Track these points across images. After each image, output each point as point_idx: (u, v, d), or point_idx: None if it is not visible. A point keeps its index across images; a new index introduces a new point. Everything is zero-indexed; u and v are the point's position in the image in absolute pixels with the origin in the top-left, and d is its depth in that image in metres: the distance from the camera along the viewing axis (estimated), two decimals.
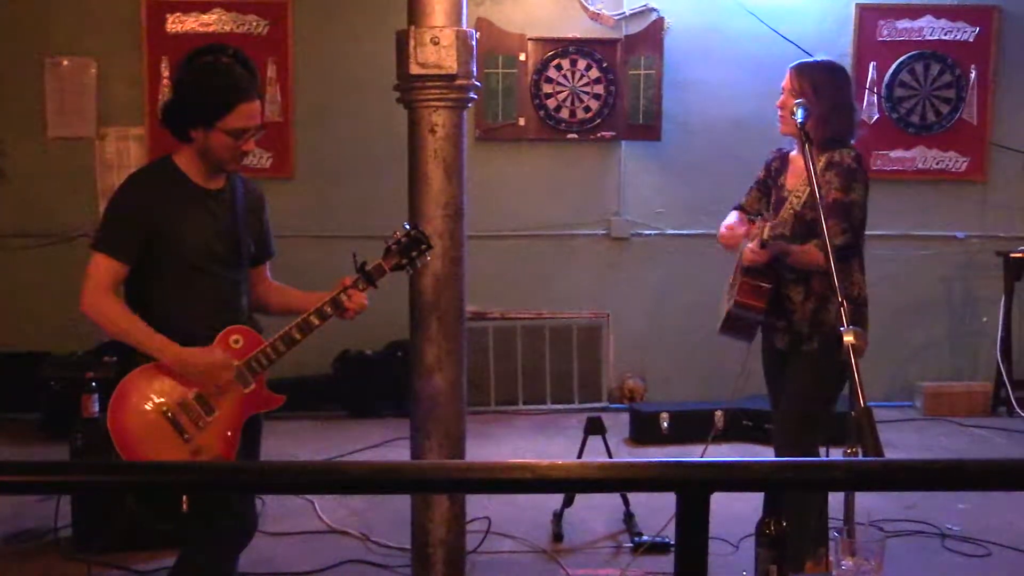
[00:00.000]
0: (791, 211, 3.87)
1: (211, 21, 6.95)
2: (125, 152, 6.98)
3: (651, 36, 7.03)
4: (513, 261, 7.12)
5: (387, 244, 3.32)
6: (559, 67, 7.03)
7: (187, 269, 3.19)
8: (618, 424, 6.28)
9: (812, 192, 3.69)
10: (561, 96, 7.04)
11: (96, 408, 4.75)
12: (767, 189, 4.06)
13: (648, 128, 7.06)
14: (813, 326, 3.81)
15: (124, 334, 3.12)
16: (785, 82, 3.88)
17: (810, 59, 4.02)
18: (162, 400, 3.12)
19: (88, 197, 6.87)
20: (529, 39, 7.02)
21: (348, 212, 6.82)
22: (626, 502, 4.83)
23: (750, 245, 3.80)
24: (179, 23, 6.94)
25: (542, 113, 7.05)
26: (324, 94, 7.02)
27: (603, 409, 6.91)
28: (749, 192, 4.12)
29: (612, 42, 7.03)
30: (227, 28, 6.95)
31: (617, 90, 7.02)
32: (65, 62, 6.95)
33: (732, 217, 4.05)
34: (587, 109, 7.05)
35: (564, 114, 7.06)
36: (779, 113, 3.88)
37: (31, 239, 6.93)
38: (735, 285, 3.95)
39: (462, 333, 3.87)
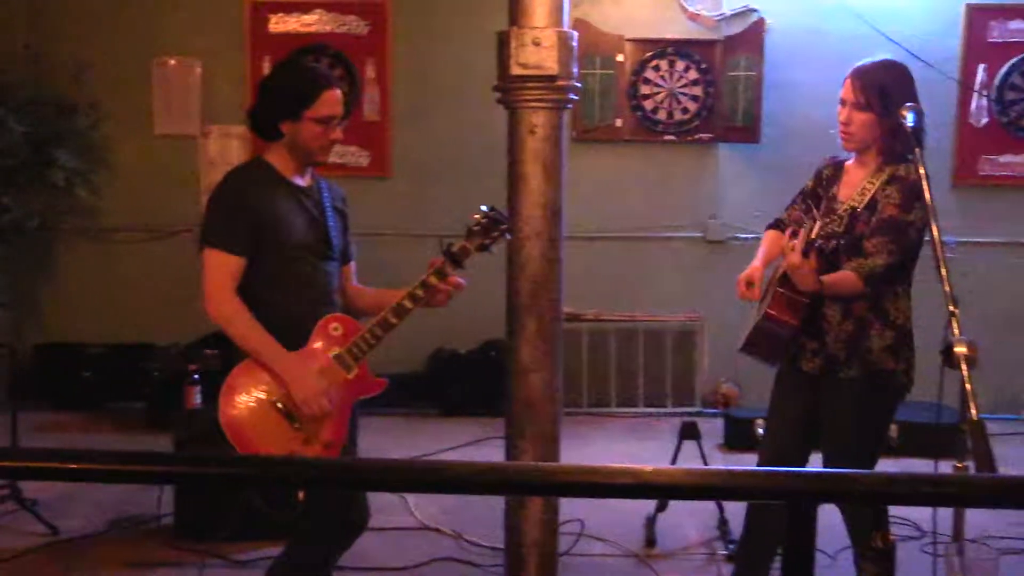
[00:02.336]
0: (841, 224, 3.53)
1: (312, 21, 7.06)
2: (228, 150, 7.12)
3: (751, 37, 6.94)
4: (607, 263, 7.10)
5: (469, 226, 3.35)
6: (657, 68, 6.98)
7: (286, 260, 3.26)
8: (712, 430, 6.21)
9: (869, 205, 3.46)
10: (659, 97, 6.99)
11: (199, 399, 4.86)
12: (815, 200, 3.72)
13: (747, 130, 6.98)
14: (850, 351, 3.49)
15: (244, 342, 3.18)
16: (844, 92, 3.52)
17: (868, 62, 3.58)
18: (271, 391, 3.19)
19: (192, 193, 7.03)
20: (627, 40, 6.99)
21: (445, 211, 6.83)
22: (721, 508, 4.78)
23: (791, 243, 3.37)
24: (281, 23, 7.06)
25: (639, 114, 7.01)
26: (422, 94, 7.08)
27: (697, 414, 6.84)
28: (791, 204, 3.82)
29: (711, 43, 6.96)
30: (328, 28, 7.05)
31: (715, 91, 6.94)
32: (172, 62, 7.12)
33: (757, 259, 3.70)
34: (685, 111, 6.99)
35: (661, 115, 7.01)
36: (840, 130, 3.53)
37: (136, 233, 7.13)
38: (766, 297, 3.62)
39: (558, 334, 3.86)
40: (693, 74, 6.97)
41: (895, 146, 3.45)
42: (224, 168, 6.99)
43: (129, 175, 7.15)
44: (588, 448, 6.13)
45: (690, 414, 6.74)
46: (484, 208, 3.37)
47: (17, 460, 1.69)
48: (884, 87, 3.46)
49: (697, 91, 6.97)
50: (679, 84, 6.97)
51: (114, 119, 7.05)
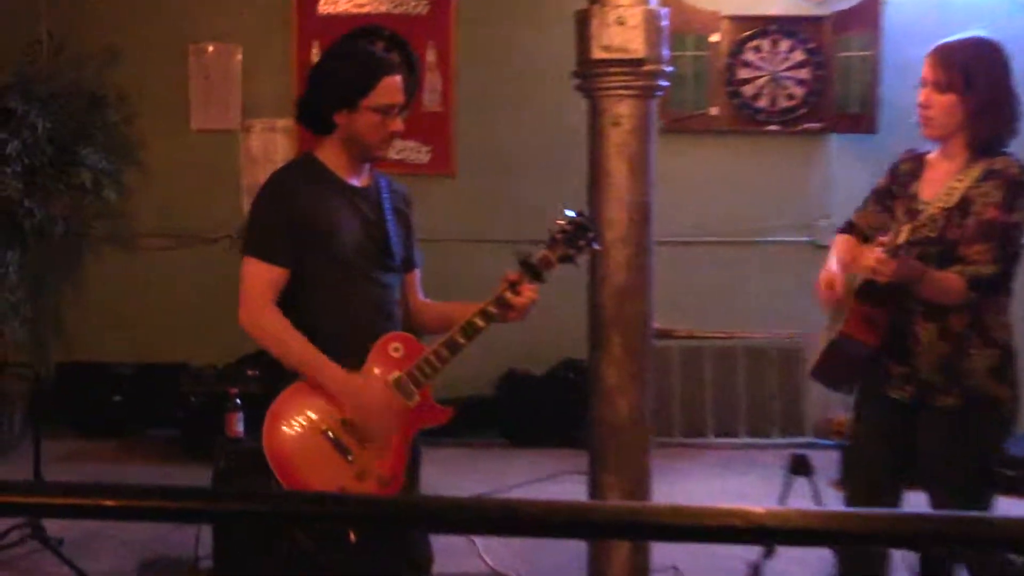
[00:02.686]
0: (934, 228, 3.42)
1: (365, 2, 7.10)
2: (271, 146, 7.19)
3: (866, 12, 6.86)
4: (702, 271, 7.04)
5: (551, 234, 3.29)
6: (758, 49, 6.93)
7: (339, 271, 3.27)
8: (825, 463, 6.08)
9: (961, 206, 3.35)
10: (760, 82, 6.94)
11: (240, 427, 4.89)
12: (890, 200, 3.62)
13: (861, 119, 6.90)
14: (948, 375, 3.38)
15: (287, 356, 3.21)
16: (924, 71, 3.45)
17: (953, 39, 3.49)
18: (321, 419, 3.19)
19: (232, 195, 7.11)
20: (723, 17, 6.95)
21: (516, 214, 6.85)
22: (835, 554, 4.69)
23: (874, 254, 3.28)
24: (331, 4, 7.11)
25: (737, 101, 6.96)
26: (490, 81, 7.08)
27: (807, 445, 6.70)
28: (864, 205, 3.71)
29: (820, 20, 6.90)
30: (383, 8, 7.09)
31: (825, 74, 6.88)
32: (210, 48, 7.21)
33: (832, 262, 3.59)
34: (790, 97, 6.92)
35: (763, 103, 6.95)
36: (919, 113, 3.47)
37: (171, 239, 7.22)
38: (840, 314, 3.53)
39: (648, 353, 3.84)
40: (799, 55, 6.90)
41: (981, 134, 3.37)
42: (268, 167, 7.08)
43: (163, 175, 7.25)
44: (682, 484, 6.08)
45: (799, 445, 6.62)
46: (569, 212, 3.32)
47: (40, 495, 1.71)
48: (968, 66, 3.39)
49: (804, 74, 6.90)
50: (783, 66, 6.91)
51: (146, 113, 7.16)
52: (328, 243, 3.26)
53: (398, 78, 3.29)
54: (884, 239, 3.27)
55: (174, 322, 7.19)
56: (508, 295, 3.22)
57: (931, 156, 3.55)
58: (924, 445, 3.48)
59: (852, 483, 3.74)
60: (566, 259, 3.28)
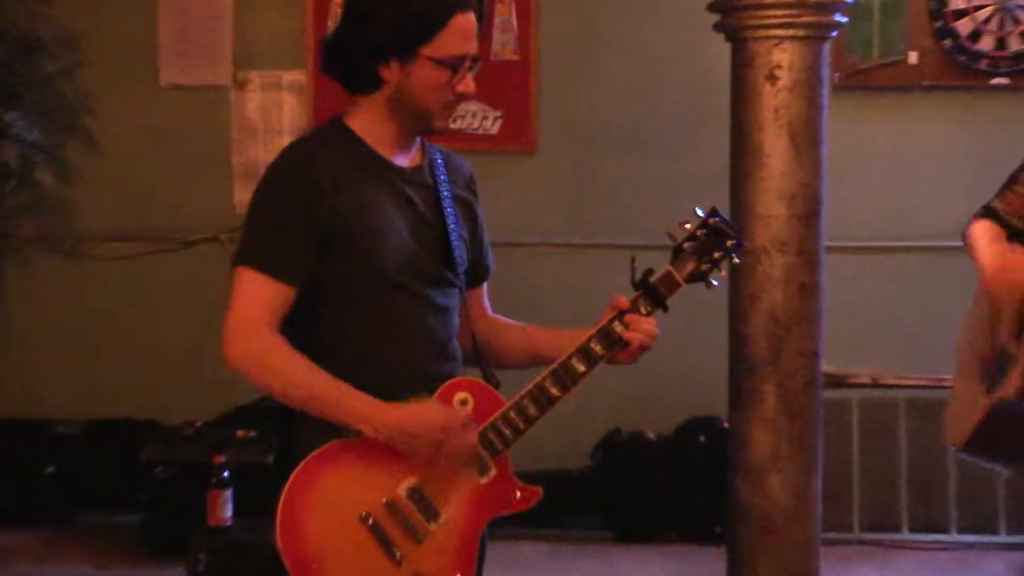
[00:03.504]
0: None
1: None
2: (275, 109, 7.27)
3: None
4: (893, 289, 7.02)
5: (676, 242, 3.24)
6: None
7: (380, 292, 3.27)
8: None
9: None
10: (981, 16, 6.92)
11: (229, 512, 4.95)
12: None
13: None
14: None
15: (297, 395, 3.19)
16: None
17: None
18: (360, 501, 3.21)
19: (219, 178, 7.18)
20: None
21: (622, 206, 6.86)
22: None
23: None
24: None
25: (948, 43, 6.95)
26: (587, 18, 7.10)
27: None
28: (1010, 186, 3.79)
29: None
30: None
31: None
32: None
33: (983, 236, 3.64)
34: None
35: (985, 45, 6.94)
36: None
37: (133, 243, 7.28)
38: (1008, 356, 3.57)
39: (817, 410, 3.85)
40: None
41: None
42: (270, 138, 7.16)
43: (120, 151, 7.33)
44: None
45: None
46: (700, 212, 3.30)
47: None
48: None
49: None
50: None
51: (97, 63, 7.25)
52: (366, 254, 3.23)
53: (472, 16, 3.23)
54: None
55: (136, 362, 7.27)
56: (618, 328, 3.21)
57: None
58: None
59: None
60: (697, 277, 3.24)
